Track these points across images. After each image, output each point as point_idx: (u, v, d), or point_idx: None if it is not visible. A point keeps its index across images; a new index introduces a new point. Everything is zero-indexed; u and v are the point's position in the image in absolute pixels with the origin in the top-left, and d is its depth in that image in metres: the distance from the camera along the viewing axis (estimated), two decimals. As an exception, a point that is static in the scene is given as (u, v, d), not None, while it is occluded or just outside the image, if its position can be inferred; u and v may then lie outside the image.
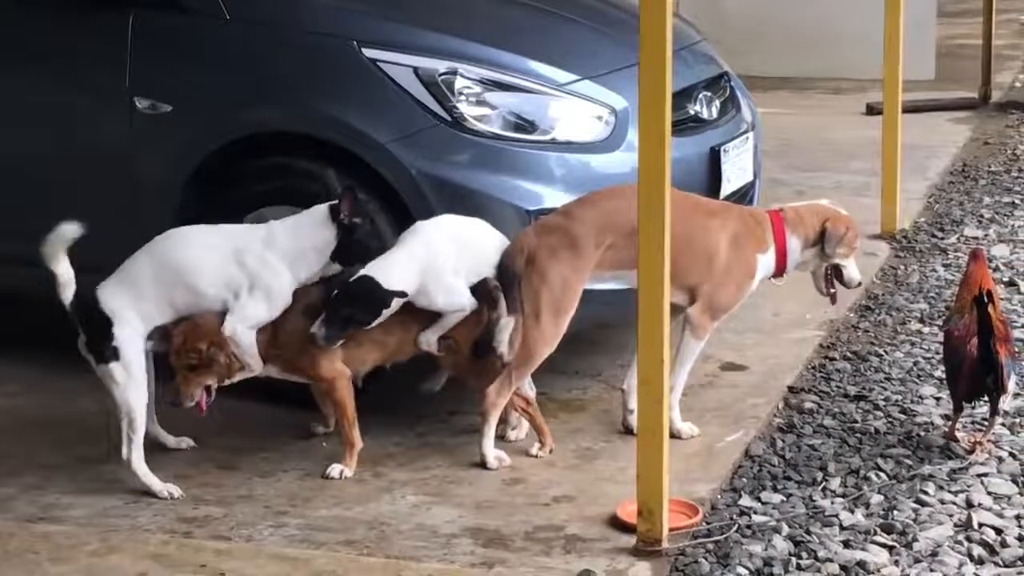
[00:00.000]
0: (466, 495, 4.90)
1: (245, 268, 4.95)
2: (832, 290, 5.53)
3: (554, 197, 5.37)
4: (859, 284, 5.69)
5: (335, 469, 5.02)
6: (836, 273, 5.48)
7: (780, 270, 5.41)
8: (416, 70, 5.41)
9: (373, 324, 4.92)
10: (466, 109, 5.39)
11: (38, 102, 5.85)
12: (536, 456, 5.15)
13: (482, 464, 5.08)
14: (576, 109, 5.58)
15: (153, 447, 5.10)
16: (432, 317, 5.03)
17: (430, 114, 5.36)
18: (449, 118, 5.37)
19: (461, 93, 5.40)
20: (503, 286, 4.98)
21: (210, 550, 4.52)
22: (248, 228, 5.14)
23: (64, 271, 4.84)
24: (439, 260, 4.95)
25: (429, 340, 5.04)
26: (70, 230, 4.83)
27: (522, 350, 5.02)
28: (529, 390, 5.21)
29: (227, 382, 4.99)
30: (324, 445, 5.27)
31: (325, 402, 5.24)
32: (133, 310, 4.92)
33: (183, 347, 4.90)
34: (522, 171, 5.42)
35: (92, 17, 5.69)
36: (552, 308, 5.04)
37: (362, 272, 4.90)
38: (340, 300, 4.87)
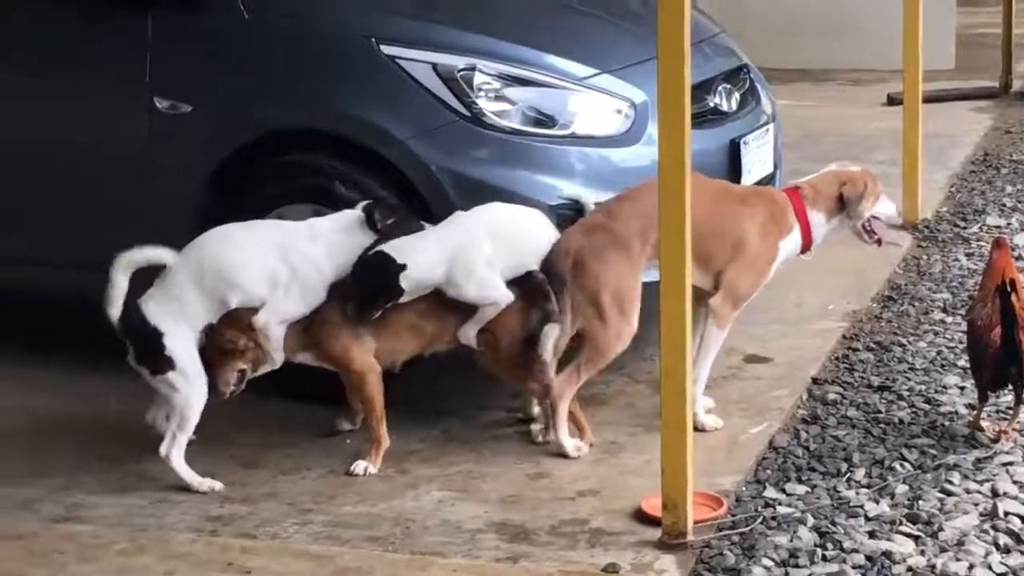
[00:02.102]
0: (491, 490, 4.90)
1: (288, 263, 4.97)
2: (876, 236, 5.58)
3: (574, 192, 5.37)
4: (900, 217, 5.69)
5: (359, 466, 5.03)
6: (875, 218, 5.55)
7: (806, 247, 5.43)
8: (435, 66, 5.41)
9: (400, 300, 4.92)
10: (485, 105, 5.39)
11: (59, 103, 5.86)
12: (588, 451, 5.16)
13: (561, 454, 5.08)
14: (595, 103, 5.59)
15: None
16: (470, 307, 5.03)
17: (449, 110, 5.37)
18: (468, 114, 5.37)
19: (480, 89, 5.41)
20: (557, 292, 4.99)
21: (236, 548, 4.53)
22: (290, 224, 5.15)
23: (121, 287, 4.87)
24: (470, 251, 4.94)
25: (468, 334, 5.05)
26: (156, 256, 4.91)
27: (592, 349, 5.05)
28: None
29: (253, 374, 5.01)
30: (348, 442, 5.28)
31: (355, 397, 5.24)
32: (180, 318, 4.94)
33: (217, 333, 4.95)
34: (542, 166, 5.42)
35: (111, 17, 5.71)
36: (615, 306, 5.06)
37: (380, 247, 4.91)
38: (361, 276, 4.90)
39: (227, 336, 4.94)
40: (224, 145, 5.54)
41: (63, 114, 5.86)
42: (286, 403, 5.45)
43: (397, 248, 4.92)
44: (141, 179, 5.69)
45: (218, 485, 4.95)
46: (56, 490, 4.99)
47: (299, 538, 4.60)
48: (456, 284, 4.96)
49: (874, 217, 5.54)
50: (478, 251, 4.95)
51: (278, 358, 5.02)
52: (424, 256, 4.91)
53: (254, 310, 4.96)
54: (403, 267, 4.88)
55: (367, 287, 4.90)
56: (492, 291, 4.98)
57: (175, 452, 4.94)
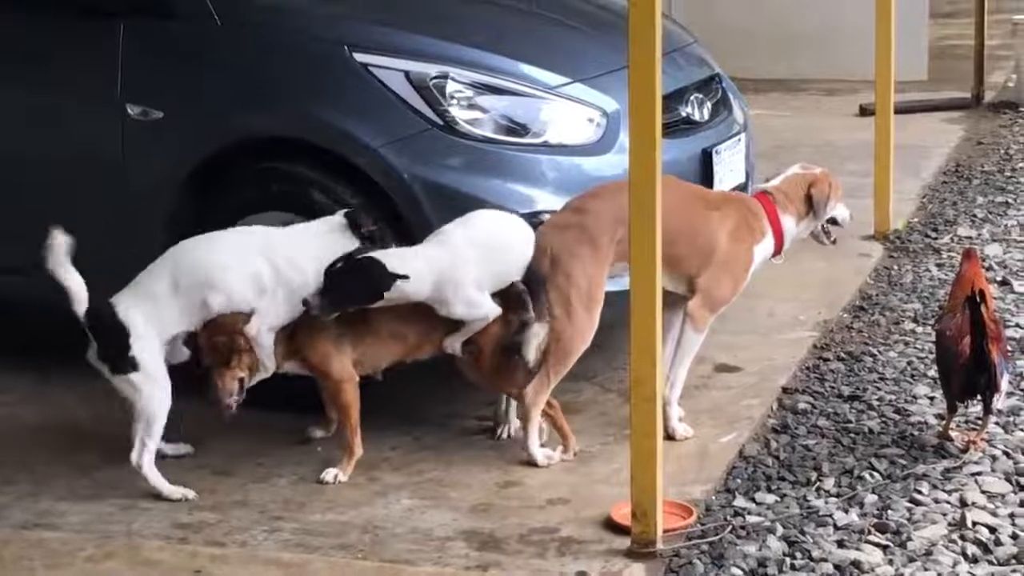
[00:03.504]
0: (461, 498, 4.90)
1: (272, 266, 4.96)
2: (832, 237, 5.70)
3: (546, 200, 5.38)
4: (851, 218, 5.82)
5: (330, 473, 5.02)
6: (830, 220, 5.66)
7: (778, 250, 5.48)
8: (407, 74, 5.41)
9: (372, 305, 4.90)
10: (457, 113, 5.40)
11: (30, 109, 5.85)
12: (560, 460, 5.15)
13: (531, 463, 5.09)
14: (567, 112, 5.59)
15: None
16: (454, 319, 5.03)
17: (422, 118, 5.37)
18: (441, 122, 5.37)
19: (452, 97, 5.41)
20: (531, 290, 5.00)
21: (205, 555, 4.53)
22: (272, 228, 5.14)
23: (76, 283, 4.83)
24: (459, 273, 4.92)
25: (454, 345, 5.05)
26: (59, 238, 4.83)
27: (558, 349, 5.05)
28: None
29: (250, 383, 4.99)
30: (319, 450, 5.27)
31: (332, 405, 5.23)
32: (151, 320, 4.91)
33: (212, 343, 4.92)
34: (514, 174, 5.43)
35: (83, 24, 5.69)
36: (583, 304, 5.07)
37: (371, 253, 4.90)
38: (339, 273, 4.86)
39: (224, 343, 4.91)
40: (196, 152, 5.52)
41: (35, 120, 5.84)
42: (259, 411, 5.41)
43: (387, 256, 4.90)
44: (113, 185, 5.67)
45: (191, 493, 4.93)
46: (24, 497, 4.98)
47: (268, 546, 4.59)
48: (445, 303, 4.95)
49: (832, 220, 5.64)
50: (466, 272, 4.93)
51: (270, 365, 5.02)
52: (414, 273, 4.89)
53: (241, 315, 4.94)
54: (405, 277, 4.86)
55: (346, 286, 4.88)
56: (480, 309, 4.97)
57: (146, 459, 4.92)
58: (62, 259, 4.83)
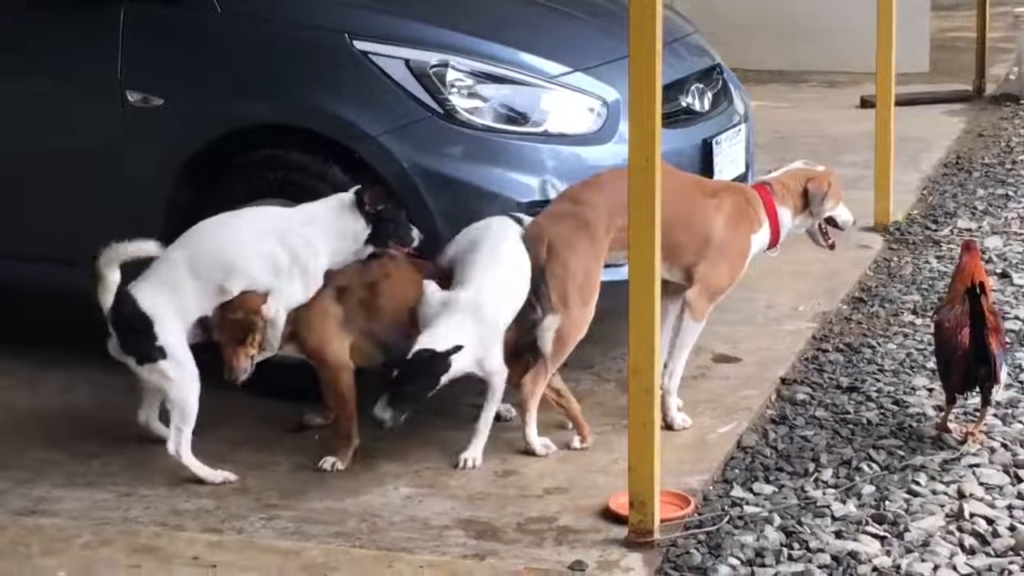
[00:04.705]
0: (458, 487, 4.90)
1: (288, 248, 4.97)
2: (830, 240, 5.68)
3: (546, 189, 5.38)
4: (854, 222, 5.82)
5: (327, 461, 5.02)
6: (829, 222, 5.63)
7: (774, 242, 5.47)
8: (407, 62, 5.41)
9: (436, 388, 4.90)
10: (458, 101, 5.39)
11: (30, 96, 5.84)
12: (576, 448, 5.15)
13: (529, 452, 5.09)
14: (568, 101, 5.59)
15: (150, 440, 5.10)
16: None
17: (422, 106, 5.37)
18: (441, 110, 5.37)
19: (453, 85, 5.41)
20: (534, 286, 5.00)
21: (202, 542, 4.53)
22: (285, 209, 5.14)
23: (113, 278, 4.82)
24: (490, 334, 4.93)
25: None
26: (142, 249, 4.87)
27: (556, 340, 5.05)
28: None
29: (258, 359, 5.00)
30: (317, 438, 5.27)
31: (328, 394, 5.21)
32: (172, 307, 4.90)
33: (225, 321, 4.92)
34: (514, 163, 5.42)
35: (84, 10, 5.68)
36: (579, 295, 5.08)
37: (417, 347, 4.82)
38: (401, 380, 4.81)
39: (239, 321, 4.92)
40: (196, 139, 5.52)
41: (35, 107, 5.83)
42: (256, 399, 5.42)
43: (432, 342, 4.84)
44: (113, 172, 5.67)
45: (232, 476, 4.94)
46: (22, 483, 4.97)
47: (265, 533, 4.59)
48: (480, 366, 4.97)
49: (831, 222, 5.62)
50: (498, 336, 4.95)
51: (276, 344, 5.02)
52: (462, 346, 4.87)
53: (258, 295, 4.93)
54: (459, 347, 4.83)
55: (409, 387, 4.82)
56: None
57: (183, 447, 4.91)
58: (115, 264, 4.82)
